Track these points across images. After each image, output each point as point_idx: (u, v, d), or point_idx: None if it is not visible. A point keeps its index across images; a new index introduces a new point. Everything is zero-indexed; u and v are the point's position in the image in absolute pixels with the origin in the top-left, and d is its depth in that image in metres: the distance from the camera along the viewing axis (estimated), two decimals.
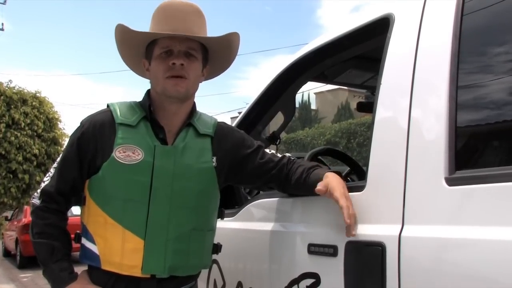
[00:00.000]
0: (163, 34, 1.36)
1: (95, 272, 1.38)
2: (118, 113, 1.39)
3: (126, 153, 1.33)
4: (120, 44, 1.47)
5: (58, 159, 1.45)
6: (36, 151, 13.84)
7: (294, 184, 1.44)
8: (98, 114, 1.43)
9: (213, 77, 1.58)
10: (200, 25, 1.41)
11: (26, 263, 9.79)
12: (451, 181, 1.00)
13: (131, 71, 1.56)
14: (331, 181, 1.28)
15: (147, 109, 1.41)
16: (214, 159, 1.44)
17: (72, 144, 1.40)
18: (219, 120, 1.57)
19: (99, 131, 1.37)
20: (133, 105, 1.44)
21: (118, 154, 1.33)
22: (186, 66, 1.36)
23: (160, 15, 1.40)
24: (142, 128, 1.38)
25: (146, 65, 1.45)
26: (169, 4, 1.40)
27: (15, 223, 11.60)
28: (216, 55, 1.49)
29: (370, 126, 1.27)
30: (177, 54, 1.37)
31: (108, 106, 1.44)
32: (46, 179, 1.44)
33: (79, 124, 1.42)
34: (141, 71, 1.51)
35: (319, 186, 1.28)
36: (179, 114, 1.43)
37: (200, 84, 1.47)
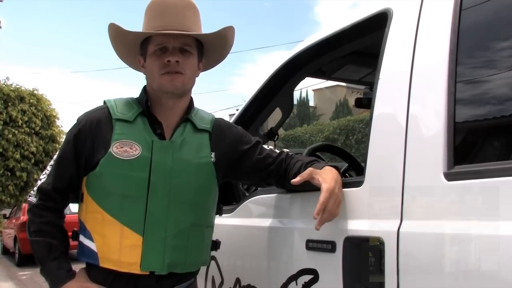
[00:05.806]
0: (156, 33, 1.35)
1: (94, 269, 1.37)
2: (115, 109, 1.38)
3: (124, 149, 1.32)
4: (114, 43, 1.46)
5: (55, 156, 1.44)
6: (34, 149, 13.78)
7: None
8: (95, 111, 1.42)
9: (209, 69, 1.57)
10: (194, 19, 1.40)
11: (25, 261, 9.78)
12: (449, 176, 1.00)
13: (129, 68, 1.55)
14: (324, 172, 1.27)
15: (144, 104, 1.40)
16: (213, 154, 1.44)
17: (68, 142, 1.39)
18: (217, 117, 1.56)
19: (95, 127, 1.36)
20: (130, 101, 1.43)
21: (116, 149, 1.32)
22: (182, 62, 1.36)
23: (153, 10, 1.38)
24: (139, 123, 1.38)
25: (141, 62, 1.44)
26: None
27: (14, 221, 11.60)
28: (211, 48, 1.48)
29: (368, 122, 1.26)
30: (172, 51, 1.35)
31: (104, 102, 1.43)
32: (43, 177, 1.43)
33: (75, 121, 1.41)
34: (138, 67, 1.50)
35: (297, 177, 1.28)
36: (176, 110, 1.42)
37: (197, 81, 1.47)
